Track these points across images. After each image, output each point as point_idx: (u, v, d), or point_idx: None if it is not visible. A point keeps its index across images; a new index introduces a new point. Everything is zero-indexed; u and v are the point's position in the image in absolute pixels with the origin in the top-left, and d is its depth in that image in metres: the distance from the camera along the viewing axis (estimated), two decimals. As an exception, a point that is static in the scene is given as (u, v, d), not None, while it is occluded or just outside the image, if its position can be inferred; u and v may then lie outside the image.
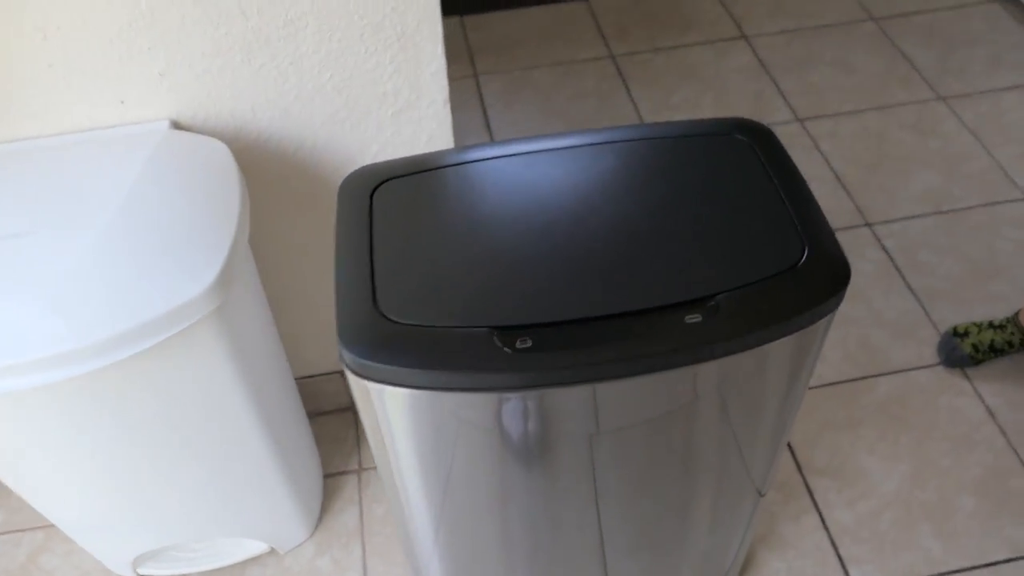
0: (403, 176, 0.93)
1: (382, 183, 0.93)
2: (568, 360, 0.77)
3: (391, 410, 0.84)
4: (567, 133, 1.00)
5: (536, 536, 1.06)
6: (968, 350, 1.60)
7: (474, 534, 1.06)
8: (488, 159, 0.95)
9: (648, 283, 0.80)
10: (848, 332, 1.70)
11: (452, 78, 2.33)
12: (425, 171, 0.94)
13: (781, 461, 1.52)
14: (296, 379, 1.47)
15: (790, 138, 2.12)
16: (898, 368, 1.64)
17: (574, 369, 0.77)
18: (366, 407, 0.86)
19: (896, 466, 1.50)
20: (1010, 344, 1.59)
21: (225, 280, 0.94)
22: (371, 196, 0.91)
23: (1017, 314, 1.59)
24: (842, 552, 1.41)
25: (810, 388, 1.62)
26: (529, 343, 0.77)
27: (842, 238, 1.87)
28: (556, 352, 0.76)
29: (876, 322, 1.72)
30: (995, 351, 1.60)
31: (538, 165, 0.94)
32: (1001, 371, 1.62)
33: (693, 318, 0.78)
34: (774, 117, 2.18)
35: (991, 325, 1.61)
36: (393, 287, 0.82)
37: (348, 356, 0.78)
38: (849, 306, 1.74)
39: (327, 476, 1.52)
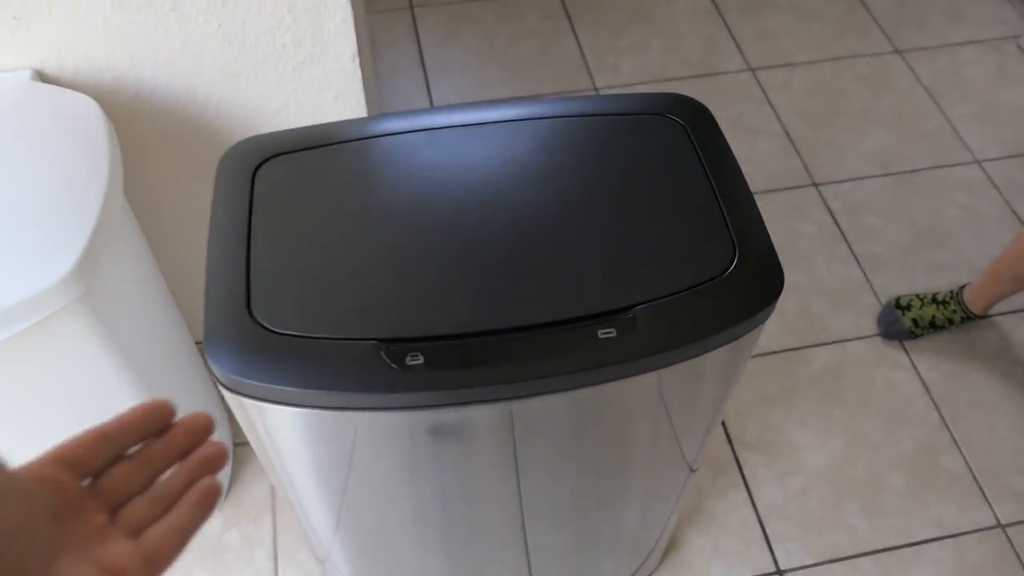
0: (292, 152, 0.82)
1: (267, 160, 0.82)
2: (462, 380, 0.68)
3: (271, 426, 0.75)
4: (484, 105, 0.89)
5: (450, 516, 1.00)
6: (908, 324, 1.56)
7: (379, 525, 1.00)
8: (392, 134, 0.85)
9: (559, 291, 0.72)
10: (788, 300, 1.65)
11: (385, 10, 2.18)
12: (318, 147, 0.83)
13: (714, 438, 1.48)
14: (200, 344, 1.37)
15: (741, 88, 2.03)
16: (836, 338, 1.60)
17: (470, 389, 0.69)
18: (243, 420, 0.77)
19: (828, 441, 1.47)
20: (950, 321, 1.55)
21: (88, 265, 0.83)
22: (253, 175, 0.80)
23: (960, 290, 1.54)
24: (768, 530, 1.38)
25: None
26: (420, 359, 0.68)
27: (788, 199, 1.80)
28: (449, 371, 0.68)
29: (817, 289, 1.66)
30: (935, 327, 1.56)
31: (449, 143, 0.84)
32: (939, 345, 1.58)
33: (607, 332, 0.70)
34: (725, 65, 2.08)
35: (934, 300, 1.56)
36: (271, 288, 0.72)
37: (216, 368, 0.69)
38: (791, 273, 1.69)
39: (237, 445, 1.44)
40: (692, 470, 1.10)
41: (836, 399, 1.52)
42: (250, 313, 0.70)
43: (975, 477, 1.43)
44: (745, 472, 1.44)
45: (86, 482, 0.38)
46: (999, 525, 1.38)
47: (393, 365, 0.68)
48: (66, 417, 0.98)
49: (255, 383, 0.68)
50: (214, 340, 0.69)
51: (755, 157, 1.89)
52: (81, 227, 0.83)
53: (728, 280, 0.73)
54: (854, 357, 1.57)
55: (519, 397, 0.71)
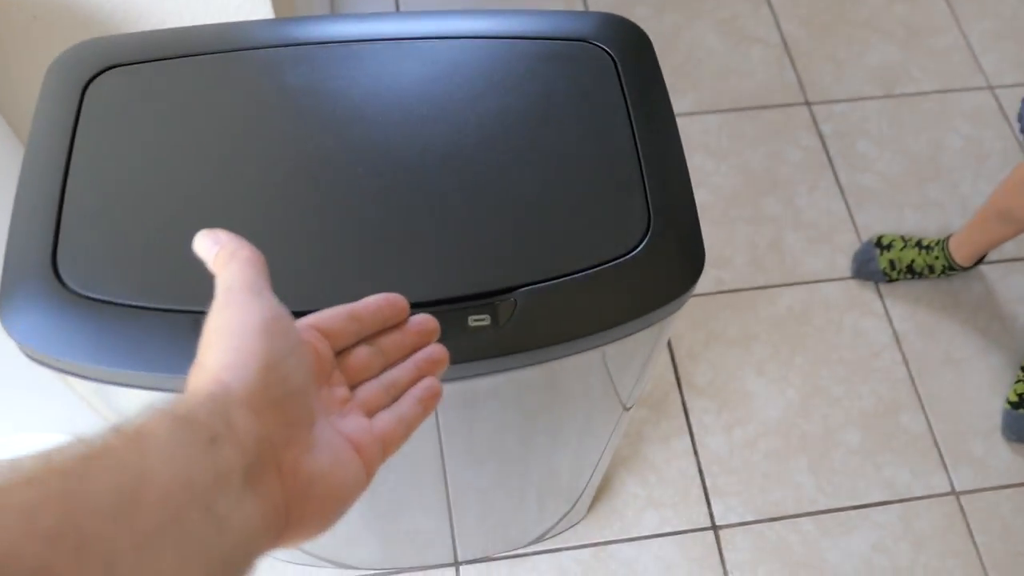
0: (137, 64, 0.68)
1: (102, 72, 0.67)
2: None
3: (87, 395, 0.65)
4: (387, 15, 0.74)
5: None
6: (884, 265, 1.43)
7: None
8: (265, 47, 0.70)
9: (429, 264, 0.59)
10: (760, 231, 1.51)
11: None
12: (170, 58, 0.69)
13: (651, 376, 1.38)
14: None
15: (740, -14, 1.82)
16: (807, 278, 1.48)
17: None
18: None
19: (784, 391, 1.37)
20: (931, 269, 1.42)
21: None
22: (83, 92, 0.66)
23: (947, 239, 1.41)
24: (708, 482, 1.30)
25: (706, 295, 1.45)
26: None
27: (775, 117, 1.64)
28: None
29: (793, 222, 1.53)
30: (913, 273, 1.43)
31: (334, 63, 0.69)
32: (918, 292, 1.46)
33: (479, 320, 0.58)
34: (726, -43, 1.86)
35: (918, 244, 1.43)
36: (83, 240, 0.60)
37: (9, 332, 0.58)
38: (768, 201, 1.55)
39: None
40: (625, 408, 1.00)
41: (798, 345, 1.41)
42: (54, 269, 0.58)
43: (935, 439, 1.34)
44: (691, 419, 1.35)
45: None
46: (953, 492, 1.30)
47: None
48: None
49: (52, 356, 0.57)
50: (8, 299, 0.58)
51: (745, 68, 1.71)
52: None
53: (634, 261, 0.61)
54: (823, 300, 1.46)
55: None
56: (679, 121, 1.63)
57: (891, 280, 1.45)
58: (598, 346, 0.62)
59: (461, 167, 0.64)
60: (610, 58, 0.70)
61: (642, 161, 0.65)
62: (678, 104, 1.65)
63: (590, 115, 0.67)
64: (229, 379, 0.31)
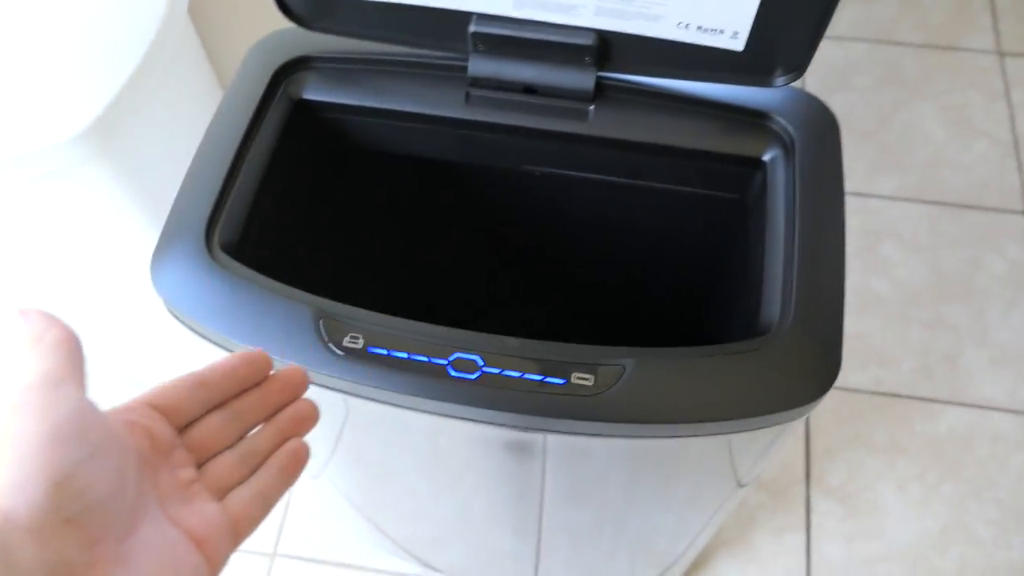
0: (337, 65, 0.71)
1: (297, 65, 0.72)
2: (390, 382, 0.58)
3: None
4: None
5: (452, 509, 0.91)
6: (1076, 411, 1.28)
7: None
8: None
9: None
10: (937, 338, 1.39)
11: None
12: (371, 69, 0.71)
13: (779, 455, 1.30)
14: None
15: (978, 73, 1.68)
16: (979, 402, 1.34)
17: (400, 392, 0.59)
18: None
19: (923, 516, 1.26)
20: None
21: (109, 123, 0.78)
22: (273, 79, 0.71)
23: None
24: (814, 590, 1.21)
25: (861, 392, 1.35)
26: (360, 342, 0.59)
27: (983, 220, 1.50)
28: (379, 365, 0.57)
29: (979, 338, 1.39)
30: (1108, 425, 1.27)
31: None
32: (1108, 447, 1.29)
33: (583, 379, 0.57)
34: (969, 40, 1.73)
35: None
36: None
37: (157, 287, 0.62)
38: (954, 308, 1.42)
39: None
40: (740, 485, 0.95)
41: (951, 472, 1.29)
42: (208, 239, 0.62)
43: (1089, 617, 1.18)
44: (812, 518, 1.26)
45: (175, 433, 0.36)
46: None
47: (331, 344, 0.58)
48: (85, 266, 0.97)
49: (187, 316, 0.61)
50: (161, 257, 0.63)
51: (963, 161, 1.58)
52: (113, 78, 0.78)
53: (755, 354, 0.57)
54: (993, 430, 1.32)
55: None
56: (876, 202, 1.53)
57: (1079, 427, 1.29)
58: (700, 435, 0.59)
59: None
60: (787, 142, 0.67)
61: (796, 255, 0.61)
62: (880, 185, 1.55)
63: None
64: (11, 504, 0.27)
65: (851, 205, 1.54)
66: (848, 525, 1.26)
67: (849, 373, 1.37)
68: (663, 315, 0.64)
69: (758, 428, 0.59)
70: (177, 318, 0.63)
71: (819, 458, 1.31)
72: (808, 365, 0.58)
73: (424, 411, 0.59)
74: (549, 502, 0.89)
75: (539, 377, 0.57)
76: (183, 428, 0.36)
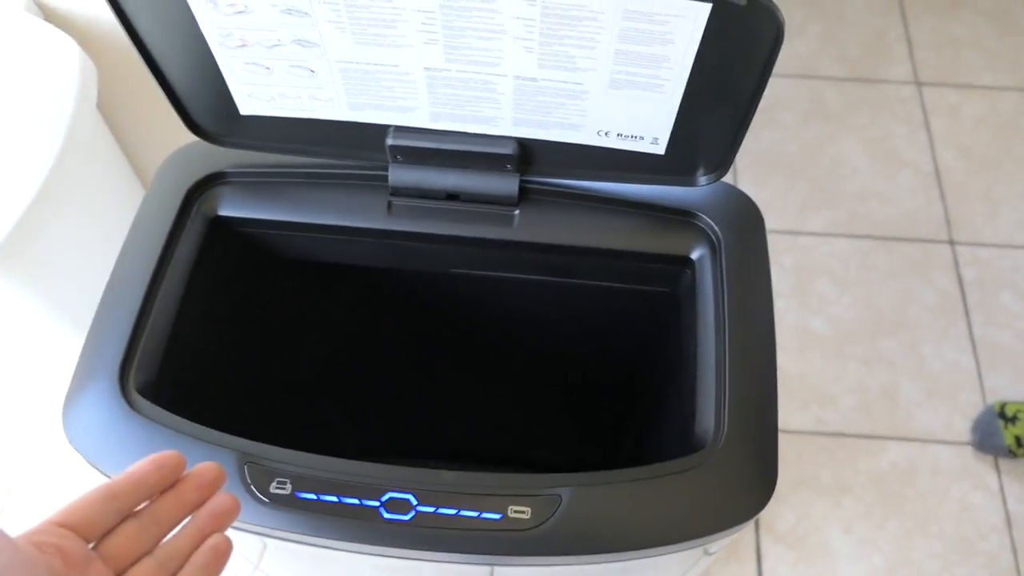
0: (253, 179, 0.69)
1: (211, 181, 0.69)
2: (320, 529, 0.56)
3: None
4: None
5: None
6: (1009, 441, 1.31)
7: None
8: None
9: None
10: (874, 374, 1.42)
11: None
12: (289, 181, 0.69)
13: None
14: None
15: (899, 104, 1.72)
16: (918, 436, 1.37)
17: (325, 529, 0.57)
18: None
19: (870, 556, 1.27)
20: (1063, 454, 1.29)
21: (20, 237, 0.74)
22: (186, 198, 0.68)
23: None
24: (770, 638, 1.22)
25: (804, 434, 1.37)
26: (288, 487, 0.56)
27: (912, 252, 1.54)
28: (308, 511, 0.55)
29: (914, 371, 1.42)
30: (1042, 453, 1.30)
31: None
32: (1042, 473, 1.33)
33: (519, 511, 0.56)
34: (888, 72, 1.77)
35: (1049, 420, 1.30)
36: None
37: (71, 439, 0.59)
38: (889, 343, 1.45)
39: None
40: (708, 554, 0.95)
41: (895, 508, 1.31)
42: (123, 384, 0.59)
43: (1034, 646, 1.21)
44: (764, 566, 1.27)
45: (91, 546, 0.36)
46: None
47: (253, 487, 0.56)
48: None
49: (100, 466, 0.58)
50: (69, 408, 0.59)
51: (890, 193, 1.61)
52: (18, 193, 0.74)
53: (693, 478, 0.56)
54: (932, 463, 1.34)
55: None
56: (808, 239, 1.56)
57: (1016, 457, 1.32)
58: (642, 558, 0.58)
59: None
60: (714, 233, 0.67)
61: (726, 364, 0.60)
62: (809, 222, 1.58)
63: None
64: None
65: (784, 243, 1.56)
66: (799, 570, 1.27)
67: (791, 415, 1.38)
68: (598, 420, 0.63)
69: (702, 544, 0.58)
70: (93, 466, 0.60)
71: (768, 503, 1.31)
72: (746, 480, 0.58)
73: (357, 552, 0.57)
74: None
75: (475, 513, 0.55)
76: (99, 540, 0.36)
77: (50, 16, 0.88)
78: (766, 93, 0.58)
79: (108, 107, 0.93)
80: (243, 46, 0.59)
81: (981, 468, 1.34)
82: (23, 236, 0.74)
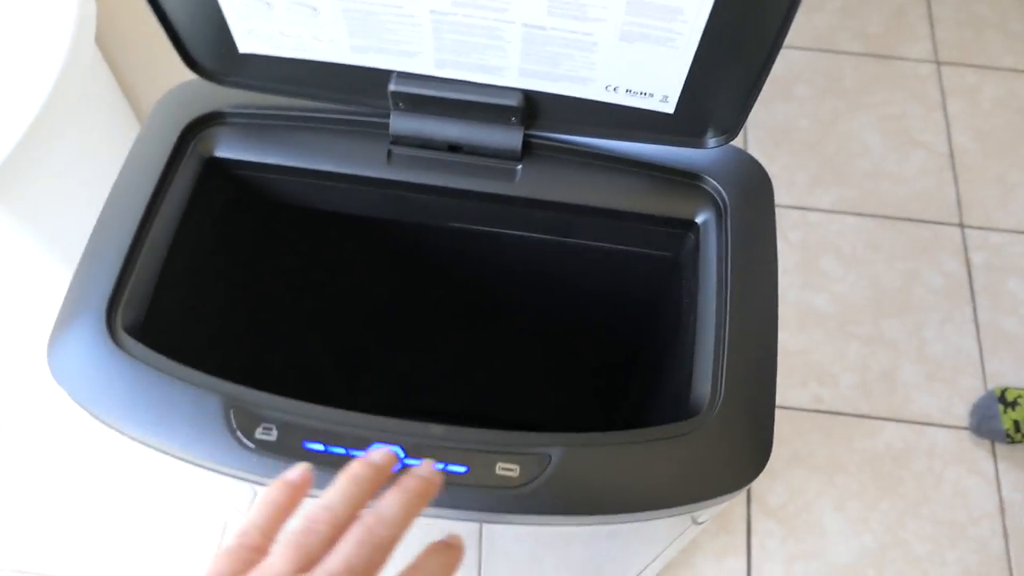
0: (251, 121, 0.67)
1: (207, 121, 0.67)
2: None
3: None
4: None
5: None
6: (1008, 425, 1.30)
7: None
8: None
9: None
10: (875, 355, 1.40)
11: None
12: (287, 125, 0.67)
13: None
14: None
15: (917, 83, 1.69)
16: (916, 418, 1.36)
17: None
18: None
19: (861, 534, 1.27)
20: (1061, 442, 1.28)
21: (5, 177, 0.73)
22: (181, 137, 0.66)
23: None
24: (755, 612, 1.22)
25: (801, 410, 1.36)
26: (273, 434, 0.55)
27: (922, 234, 1.52)
28: (292, 459, 0.54)
29: (916, 353, 1.41)
30: (1039, 440, 1.29)
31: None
32: (1038, 461, 1.32)
33: (507, 469, 0.55)
34: (908, 50, 1.74)
35: (1049, 408, 1.29)
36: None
37: (55, 376, 0.58)
38: (892, 324, 1.43)
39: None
40: (696, 523, 0.94)
41: (888, 489, 1.30)
42: (109, 320, 0.58)
43: (1020, 632, 1.21)
44: (753, 540, 1.27)
45: None
46: None
47: (239, 433, 0.55)
48: None
49: (87, 404, 0.57)
50: (55, 343, 0.58)
51: (902, 173, 1.59)
52: (11, 124, 0.73)
53: (685, 441, 0.55)
54: (929, 446, 1.34)
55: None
56: (816, 216, 1.54)
57: (1014, 443, 1.31)
58: (630, 522, 0.57)
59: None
60: (721, 197, 0.65)
61: (726, 330, 0.59)
62: (819, 198, 1.55)
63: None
64: None
65: (792, 219, 1.54)
66: (789, 546, 1.26)
67: (789, 391, 1.37)
68: (593, 384, 0.62)
69: (691, 511, 0.57)
70: (78, 404, 0.59)
71: (760, 478, 1.31)
72: (740, 448, 0.56)
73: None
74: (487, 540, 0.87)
75: (462, 468, 0.54)
76: None
77: (51, -53, 0.85)
78: (781, 65, 0.56)
79: (106, 41, 0.91)
80: (243, -21, 0.57)
81: (977, 453, 1.33)
82: (15, 169, 0.73)
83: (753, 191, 0.66)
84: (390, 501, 0.40)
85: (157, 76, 0.93)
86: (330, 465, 0.54)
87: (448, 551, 0.41)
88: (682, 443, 0.55)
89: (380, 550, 0.38)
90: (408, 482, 0.41)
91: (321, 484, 0.54)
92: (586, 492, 0.54)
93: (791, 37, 1.69)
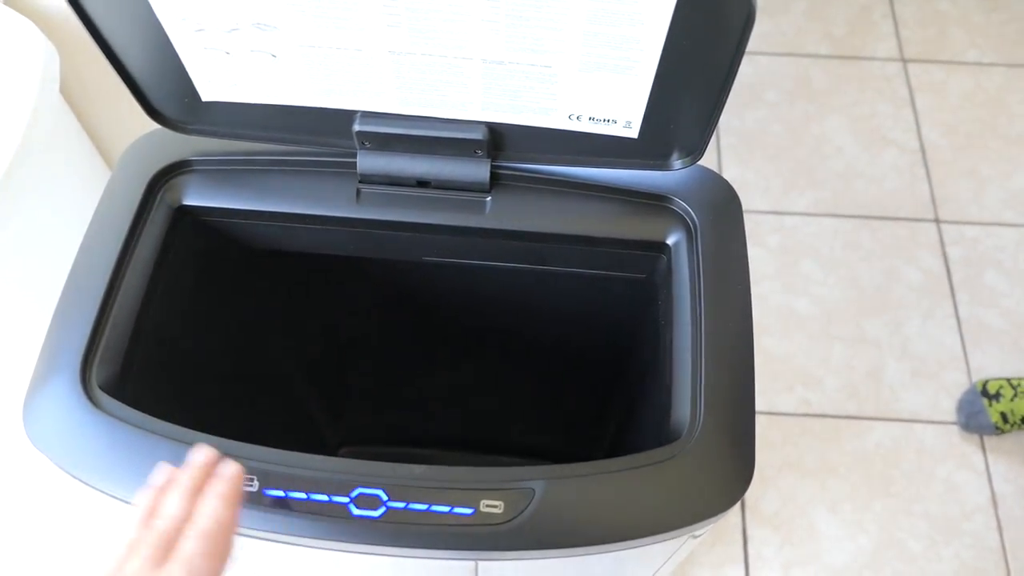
0: (218, 167, 0.67)
1: (175, 169, 0.67)
2: (288, 526, 0.54)
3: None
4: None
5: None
6: (995, 418, 1.31)
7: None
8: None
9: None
10: (859, 355, 1.41)
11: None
12: (255, 169, 0.67)
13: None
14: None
15: (884, 82, 1.71)
16: (904, 416, 1.36)
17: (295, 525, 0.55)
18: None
19: (856, 536, 1.27)
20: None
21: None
22: (149, 187, 0.66)
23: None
24: (756, 621, 1.22)
25: (789, 415, 1.37)
26: (255, 485, 0.55)
27: (898, 231, 1.53)
28: (276, 509, 0.54)
29: (899, 350, 1.42)
30: (1027, 428, 1.30)
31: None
32: (1026, 451, 1.33)
33: (491, 506, 0.55)
34: (874, 49, 1.75)
35: (1032, 395, 1.30)
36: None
37: (32, 440, 0.58)
38: (874, 323, 1.44)
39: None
40: (694, 537, 0.94)
41: (880, 488, 1.31)
42: (85, 380, 0.58)
43: (1019, 624, 1.21)
44: (749, 549, 1.27)
45: None
46: None
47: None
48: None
49: (63, 464, 0.57)
50: (31, 406, 0.58)
51: (875, 172, 1.60)
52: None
53: (669, 470, 0.55)
54: (917, 443, 1.34)
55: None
56: (793, 219, 1.54)
57: (1002, 433, 1.32)
58: (618, 551, 0.57)
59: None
60: (690, 217, 0.65)
61: (702, 351, 0.59)
62: (794, 202, 1.56)
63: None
64: None
65: (769, 224, 1.55)
66: (785, 552, 1.26)
67: (776, 396, 1.38)
68: (574, 408, 0.62)
69: (681, 534, 0.57)
70: (57, 467, 0.58)
71: (753, 486, 1.31)
72: (722, 470, 0.57)
73: (327, 550, 0.56)
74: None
75: (446, 508, 0.54)
76: None
77: (10, 0, 0.85)
78: (750, 71, 0.57)
79: (71, 92, 0.90)
80: (200, 30, 0.57)
81: (966, 447, 1.34)
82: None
83: (721, 209, 0.67)
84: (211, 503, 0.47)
85: (125, 124, 0.93)
86: (310, 513, 0.54)
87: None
88: (666, 468, 0.55)
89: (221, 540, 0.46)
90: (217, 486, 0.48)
91: (306, 532, 0.54)
92: (573, 523, 0.54)
93: (758, 43, 1.71)
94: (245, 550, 0.62)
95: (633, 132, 0.62)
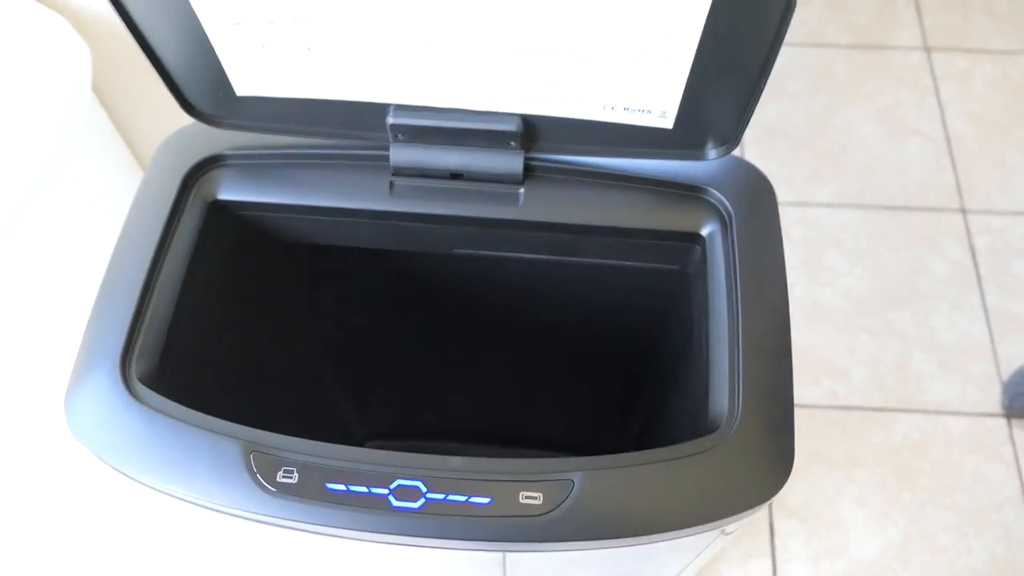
0: (252, 162, 0.68)
1: (209, 164, 0.68)
2: (327, 518, 0.55)
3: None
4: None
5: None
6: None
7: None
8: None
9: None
10: (886, 346, 1.40)
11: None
12: (288, 163, 0.68)
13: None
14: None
15: (908, 71, 1.69)
16: (930, 407, 1.35)
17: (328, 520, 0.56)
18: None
19: (884, 528, 1.26)
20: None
21: (13, 234, 0.73)
22: (184, 182, 0.67)
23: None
24: (784, 613, 1.21)
25: (816, 407, 1.36)
26: (294, 477, 0.55)
27: (924, 221, 1.52)
28: (315, 500, 0.54)
29: (926, 342, 1.41)
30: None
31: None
32: (1057, 443, 1.32)
33: (531, 497, 0.55)
34: (896, 38, 1.74)
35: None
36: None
37: (74, 431, 0.58)
38: (901, 314, 1.43)
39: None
40: (726, 534, 0.94)
41: (909, 480, 1.30)
42: (124, 371, 0.58)
43: (1050, 616, 1.20)
44: (776, 542, 1.26)
45: None
46: None
47: (260, 477, 0.55)
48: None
49: (106, 458, 0.57)
50: (73, 398, 0.58)
51: (900, 162, 1.59)
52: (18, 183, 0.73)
53: (707, 460, 0.55)
54: (946, 434, 1.33)
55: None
56: (817, 211, 1.53)
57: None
58: (658, 542, 0.57)
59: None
60: (725, 208, 0.65)
61: (739, 343, 0.59)
62: (818, 193, 1.55)
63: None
64: None
65: (793, 215, 1.54)
66: (812, 545, 1.26)
67: (802, 389, 1.37)
68: (609, 400, 0.62)
69: (718, 527, 0.57)
70: (98, 458, 0.59)
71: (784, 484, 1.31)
72: (761, 461, 0.56)
73: (367, 542, 0.56)
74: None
75: (486, 500, 0.54)
76: None
77: (42, -2, 0.86)
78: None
79: (103, 89, 0.91)
80: (237, 23, 0.57)
81: (995, 438, 1.32)
82: (23, 223, 0.73)
83: (756, 199, 0.66)
84: None
85: (157, 121, 0.93)
86: (350, 505, 0.54)
87: None
88: (704, 459, 0.55)
89: None
90: None
91: (345, 523, 0.54)
92: (611, 515, 0.54)
93: (793, 37, 1.69)
94: (270, 544, 0.63)
95: (668, 122, 0.62)
